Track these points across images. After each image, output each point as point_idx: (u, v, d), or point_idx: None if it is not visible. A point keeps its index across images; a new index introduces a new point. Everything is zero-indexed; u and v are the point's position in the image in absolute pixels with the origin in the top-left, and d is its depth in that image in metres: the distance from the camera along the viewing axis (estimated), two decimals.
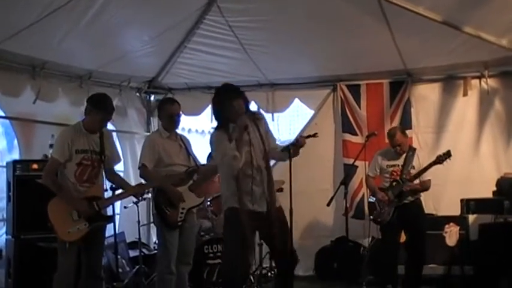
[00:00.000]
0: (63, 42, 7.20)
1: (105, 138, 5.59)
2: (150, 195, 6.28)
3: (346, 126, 9.02)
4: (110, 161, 5.71)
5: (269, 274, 8.14)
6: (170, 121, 6.19)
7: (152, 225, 7.87)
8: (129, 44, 8.18)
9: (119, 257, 7.35)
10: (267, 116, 10.84)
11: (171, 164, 6.07)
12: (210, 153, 7.88)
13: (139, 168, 6.07)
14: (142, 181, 6.14)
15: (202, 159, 7.60)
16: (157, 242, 6.42)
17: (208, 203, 7.62)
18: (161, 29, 7.90)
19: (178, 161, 6.12)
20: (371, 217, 7.27)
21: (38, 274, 6.18)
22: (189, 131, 13.28)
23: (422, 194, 7.17)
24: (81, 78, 8.16)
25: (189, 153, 6.27)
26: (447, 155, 6.84)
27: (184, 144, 6.26)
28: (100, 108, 5.51)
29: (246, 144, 5.08)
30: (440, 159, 6.84)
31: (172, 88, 9.68)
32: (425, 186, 7.06)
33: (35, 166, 6.58)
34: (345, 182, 7.28)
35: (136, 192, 5.90)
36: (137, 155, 6.97)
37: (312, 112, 9.64)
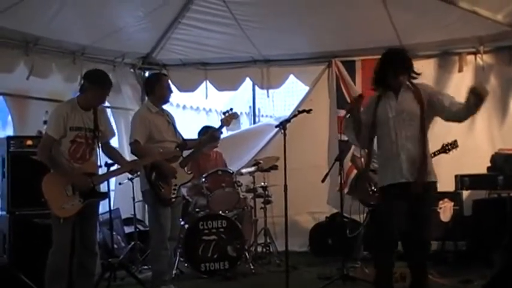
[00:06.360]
0: (57, 18, 7.14)
1: (99, 113, 5.56)
2: (139, 172, 6.25)
3: (341, 102, 8.99)
4: (105, 135, 5.69)
5: (264, 250, 8.19)
6: (167, 95, 6.21)
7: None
8: (123, 19, 8.13)
9: (114, 233, 7.39)
10: (263, 92, 10.89)
11: (162, 141, 6.05)
12: (202, 129, 7.90)
13: (130, 144, 6.04)
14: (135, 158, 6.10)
15: (194, 135, 7.62)
16: (149, 218, 6.41)
17: (203, 179, 7.61)
18: (155, 4, 7.84)
19: (168, 138, 6.11)
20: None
21: (33, 250, 6.18)
22: (184, 107, 13.25)
23: None
24: (74, 54, 8.10)
25: (175, 129, 6.26)
26: (453, 145, 6.76)
27: (170, 120, 6.26)
28: (99, 84, 5.47)
29: None
30: (446, 149, 6.77)
31: (166, 64, 9.64)
32: None
33: (29, 142, 6.56)
34: (340, 158, 7.27)
35: (132, 168, 5.84)
36: None
37: (306, 88, 9.64)
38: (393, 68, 5.11)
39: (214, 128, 7.00)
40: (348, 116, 5.21)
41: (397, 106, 5.07)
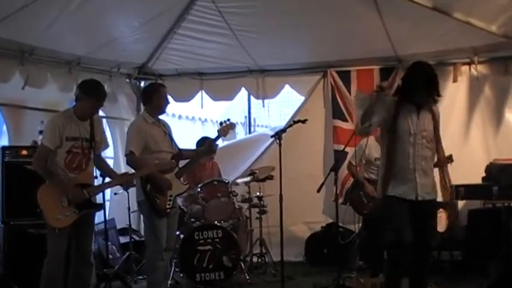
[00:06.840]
0: (52, 28, 7.14)
1: (95, 123, 5.56)
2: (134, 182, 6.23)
3: (337, 112, 9.04)
4: (98, 147, 5.68)
5: (259, 261, 8.18)
6: (164, 105, 6.19)
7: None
8: (119, 29, 8.13)
9: (109, 243, 7.36)
10: (258, 102, 10.91)
11: (158, 151, 6.02)
12: (200, 140, 7.90)
13: (126, 155, 6.01)
14: (130, 169, 6.08)
15: (192, 145, 7.61)
16: (145, 229, 6.39)
17: (199, 189, 7.60)
18: (151, 14, 7.85)
19: (164, 148, 6.07)
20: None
21: (27, 260, 6.17)
22: (179, 117, 13.26)
23: None
24: (70, 64, 8.09)
25: (171, 139, 6.24)
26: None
27: (167, 130, 6.24)
28: (92, 94, 5.47)
29: None
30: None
31: (162, 74, 9.64)
32: None
33: (24, 152, 6.56)
34: (335, 168, 7.28)
35: (123, 182, 5.83)
36: None
37: (302, 98, 9.66)
38: (428, 85, 5.09)
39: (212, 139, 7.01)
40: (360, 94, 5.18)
41: (418, 123, 5.07)
